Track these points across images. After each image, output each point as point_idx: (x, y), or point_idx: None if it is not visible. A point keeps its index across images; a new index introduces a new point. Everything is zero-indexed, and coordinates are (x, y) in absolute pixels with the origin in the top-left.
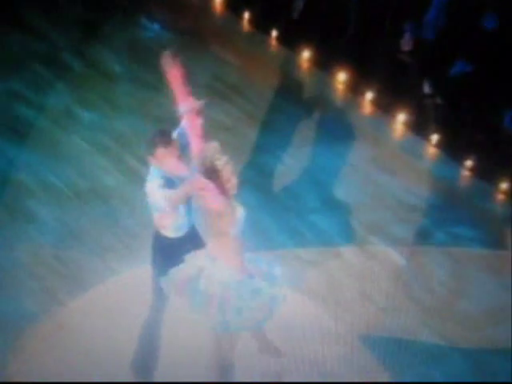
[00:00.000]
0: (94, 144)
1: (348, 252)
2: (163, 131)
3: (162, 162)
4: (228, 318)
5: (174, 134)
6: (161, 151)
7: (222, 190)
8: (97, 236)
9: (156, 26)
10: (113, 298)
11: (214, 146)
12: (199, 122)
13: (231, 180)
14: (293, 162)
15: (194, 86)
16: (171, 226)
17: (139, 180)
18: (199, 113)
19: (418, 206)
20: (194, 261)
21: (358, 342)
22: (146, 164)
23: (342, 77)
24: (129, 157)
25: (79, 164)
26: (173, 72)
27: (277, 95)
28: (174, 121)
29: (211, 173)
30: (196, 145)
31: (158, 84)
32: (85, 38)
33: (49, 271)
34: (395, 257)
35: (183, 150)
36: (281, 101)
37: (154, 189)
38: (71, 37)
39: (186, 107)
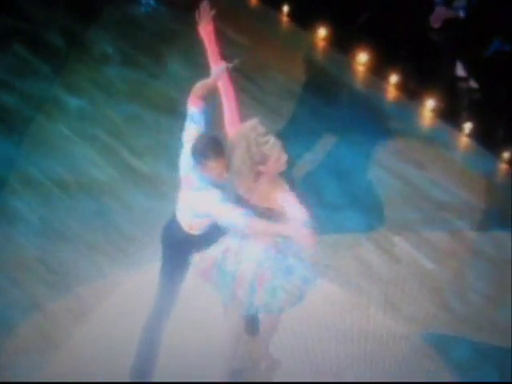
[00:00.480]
0: (82, 134)
1: (369, 253)
2: (214, 140)
3: (210, 173)
4: (261, 301)
5: (188, 123)
6: (211, 164)
7: (272, 173)
8: (86, 237)
9: (152, 1)
10: (104, 307)
11: (254, 125)
12: (232, 88)
13: (281, 159)
14: (309, 153)
15: (196, 68)
16: (203, 227)
17: (133, 174)
18: (231, 75)
19: (449, 203)
20: (218, 245)
21: (379, 353)
22: (140, 157)
23: (362, 58)
24: (121, 148)
25: (66, 157)
26: (208, 28)
27: (289, 79)
28: (173, 108)
29: (260, 162)
30: (232, 124)
31: (154, 67)
32: (73, 15)
33: (33, 277)
34: (423, 260)
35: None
36: (294, 86)
37: (212, 200)
38: (57, 14)
39: (220, 70)
